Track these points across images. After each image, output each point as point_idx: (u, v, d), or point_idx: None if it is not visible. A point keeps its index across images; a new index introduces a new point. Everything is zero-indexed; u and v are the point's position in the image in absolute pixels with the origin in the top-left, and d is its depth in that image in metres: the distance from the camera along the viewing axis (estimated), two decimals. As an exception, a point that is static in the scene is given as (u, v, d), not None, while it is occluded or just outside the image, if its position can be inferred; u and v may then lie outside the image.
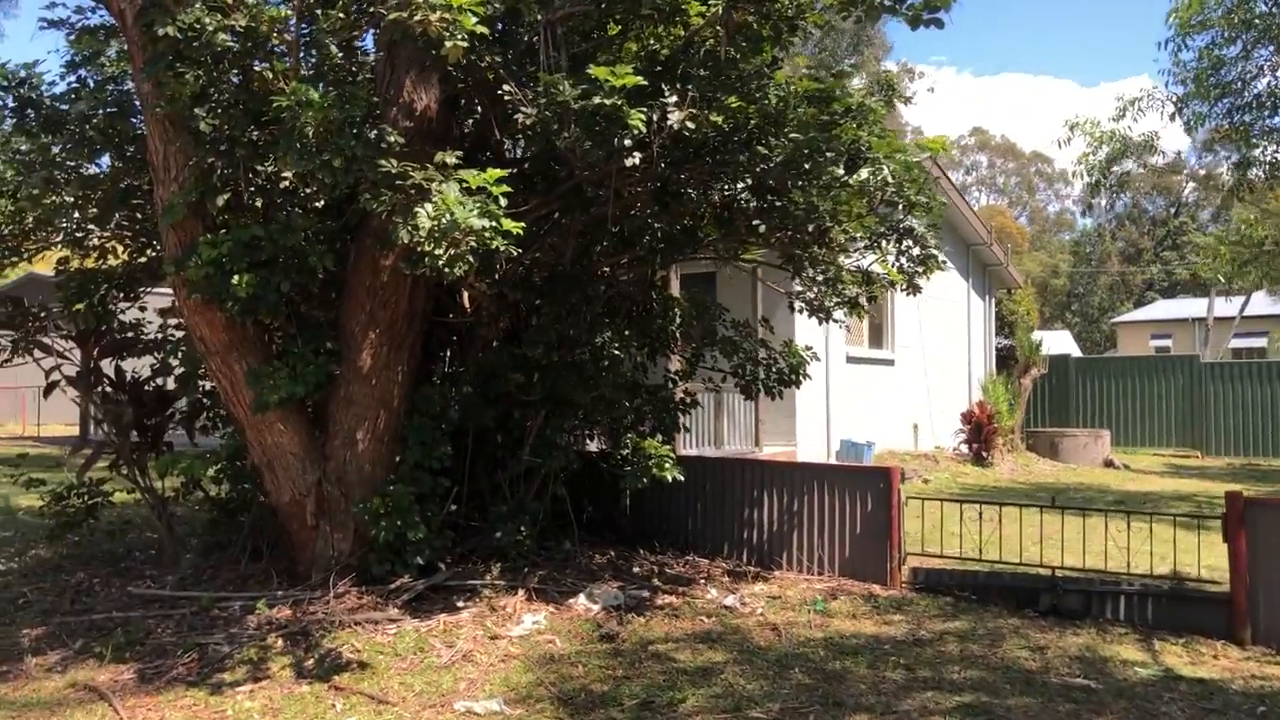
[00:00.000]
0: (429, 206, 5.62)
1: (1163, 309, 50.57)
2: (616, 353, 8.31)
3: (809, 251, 7.97)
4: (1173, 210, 52.14)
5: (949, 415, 19.82)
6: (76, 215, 7.17)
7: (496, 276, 7.44)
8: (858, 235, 7.57)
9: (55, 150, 7.18)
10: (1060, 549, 7.61)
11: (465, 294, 7.99)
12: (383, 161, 5.91)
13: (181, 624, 6.79)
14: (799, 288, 8.83)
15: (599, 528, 8.94)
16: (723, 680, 5.71)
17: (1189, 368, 22.49)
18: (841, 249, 7.79)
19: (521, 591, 7.13)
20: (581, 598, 6.98)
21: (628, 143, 6.11)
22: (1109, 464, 20.38)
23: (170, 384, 8.84)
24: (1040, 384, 22.81)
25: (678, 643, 6.40)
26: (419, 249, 5.66)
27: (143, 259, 8.46)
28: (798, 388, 8.94)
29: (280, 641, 6.38)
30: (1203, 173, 29.26)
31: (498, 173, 5.37)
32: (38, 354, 8.79)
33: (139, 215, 7.79)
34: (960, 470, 17.65)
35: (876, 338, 17.93)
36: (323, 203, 7.07)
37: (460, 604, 6.99)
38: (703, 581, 7.85)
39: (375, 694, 5.51)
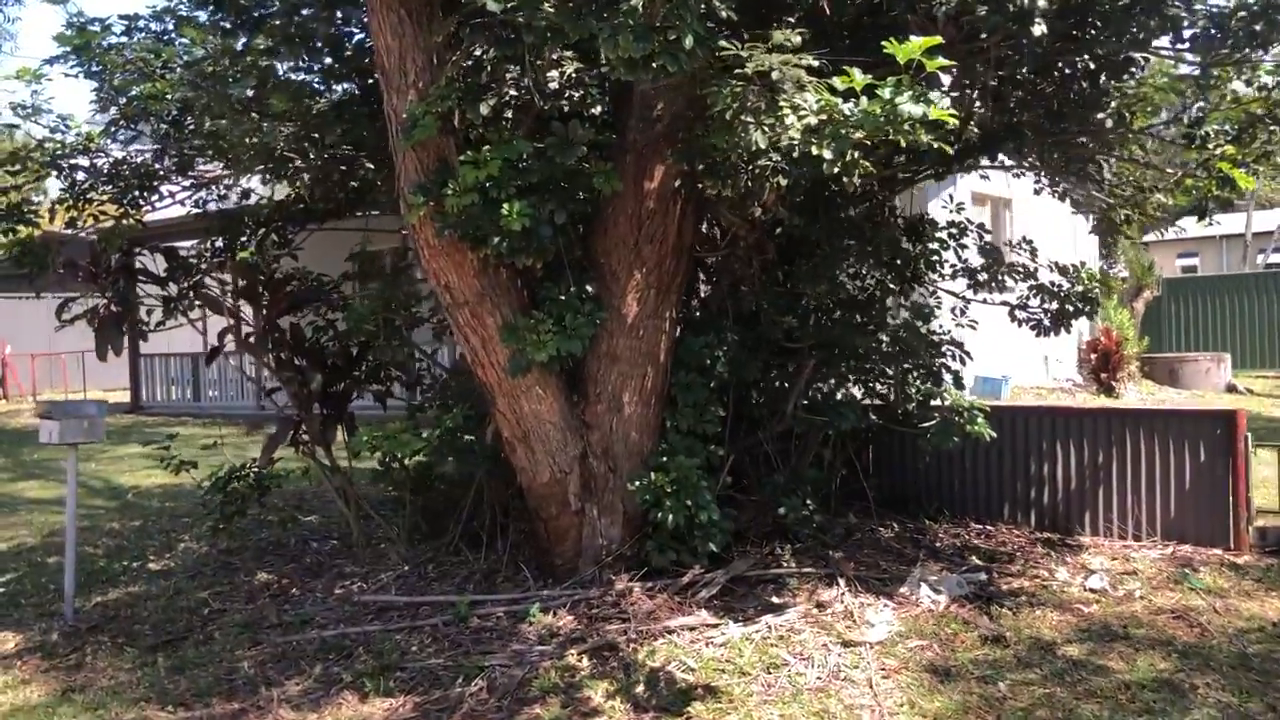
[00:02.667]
0: (808, 97, 4.24)
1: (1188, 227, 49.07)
2: (891, 286, 6.96)
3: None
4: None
5: (1067, 344, 18.57)
6: (284, 135, 5.67)
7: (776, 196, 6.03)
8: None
9: (240, 49, 5.69)
10: None
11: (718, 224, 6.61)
12: (725, 43, 4.52)
13: (440, 639, 5.52)
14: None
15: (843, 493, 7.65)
16: (1213, 700, 4.46)
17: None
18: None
19: (841, 581, 5.85)
20: (924, 588, 5.71)
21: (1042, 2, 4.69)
22: (1231, 389, 19.25)
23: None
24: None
25: (1080, 643, 5.16)
26: (784, 150, 4.31)
27: (293, 192, 7.00)
28: (1091, 319, 7.61)
29: (585, 660, 5.12)
30: None
31: (928, 41, 3.96)
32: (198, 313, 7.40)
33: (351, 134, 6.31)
34: (1094, 402, 16.50)
35: (1000, 263, 16.58)
36: (598, 110, 5.62)
37: (775, 599, 5.72)
38: (1019, 556, 6.59)
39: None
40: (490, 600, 5.86)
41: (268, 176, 6.55)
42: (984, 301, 7.35)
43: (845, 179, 4.26)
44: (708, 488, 5.83)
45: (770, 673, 4.91)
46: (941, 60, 3.99)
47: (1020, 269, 7.24)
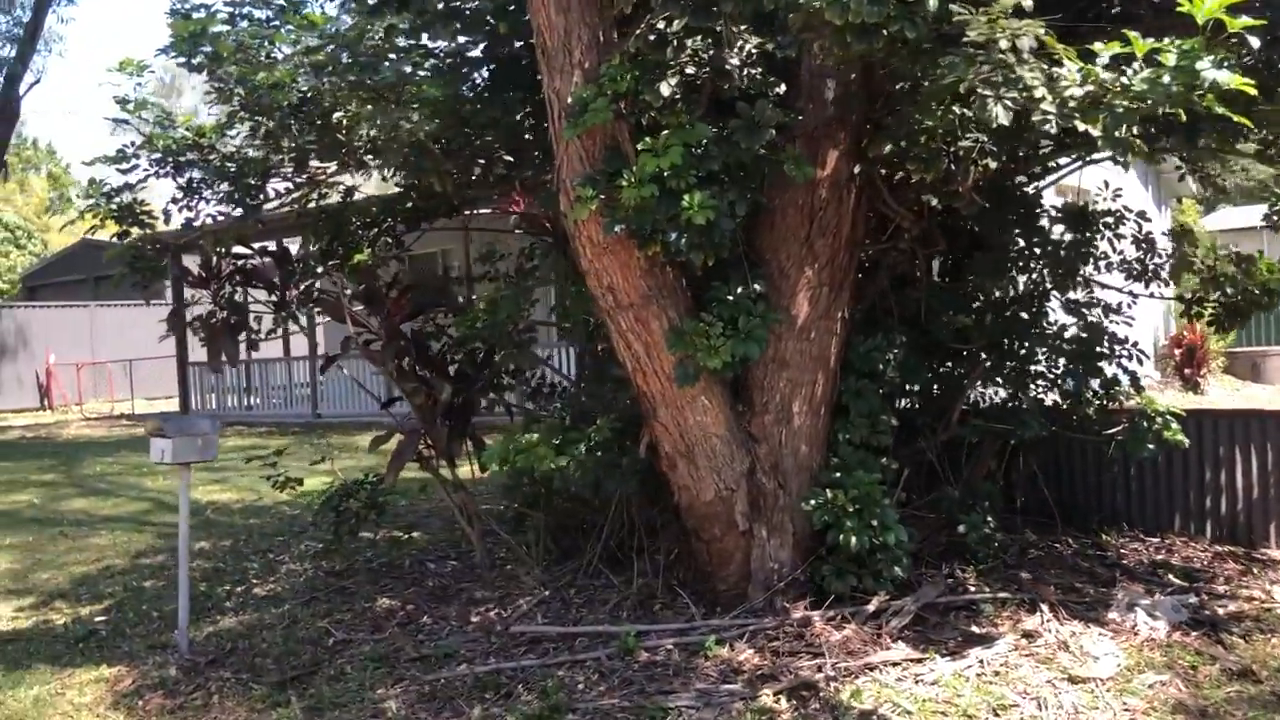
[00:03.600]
0: (1070, 68, 3.71)
1: (1230, 217, 48.03)
2: (1048, 284, 6.40)
3: None
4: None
5: (1145, 338, 17.91)
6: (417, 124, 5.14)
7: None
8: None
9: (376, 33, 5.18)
10: None
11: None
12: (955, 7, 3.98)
13: (607, 676, 5.00)
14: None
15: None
16: None
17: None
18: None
19: (1044, 607, 5.29)
20: (1139, 614, 5.15)
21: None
22: (1314, 384, 18.57)
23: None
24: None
25: (1340, 677, 4.58)
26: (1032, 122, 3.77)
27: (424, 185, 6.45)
28: (1267, 312, 7.02)
29: (782, 701, 4.59)
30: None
31: None
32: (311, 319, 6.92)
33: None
34: (1180, 399, 15.88)
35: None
36: (782, 89, 5.08)
37: (975, 629, 5.18)
38: (1218, 574, 6.02)
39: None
40: (654, 631, 5.33)
41: (397, 172, 6.01)
42: (1151, 296, 6.78)
43: (1120, 159, 3.70)
44: (890, 505, 5.29)
45: (998, 716, 4.36)
46: (1246, 19, 3.44)
47: (1190, 259, 6.65)
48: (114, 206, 5.91)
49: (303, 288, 6.42)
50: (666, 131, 4.59)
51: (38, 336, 24.10)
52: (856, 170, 5.28)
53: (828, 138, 5.28)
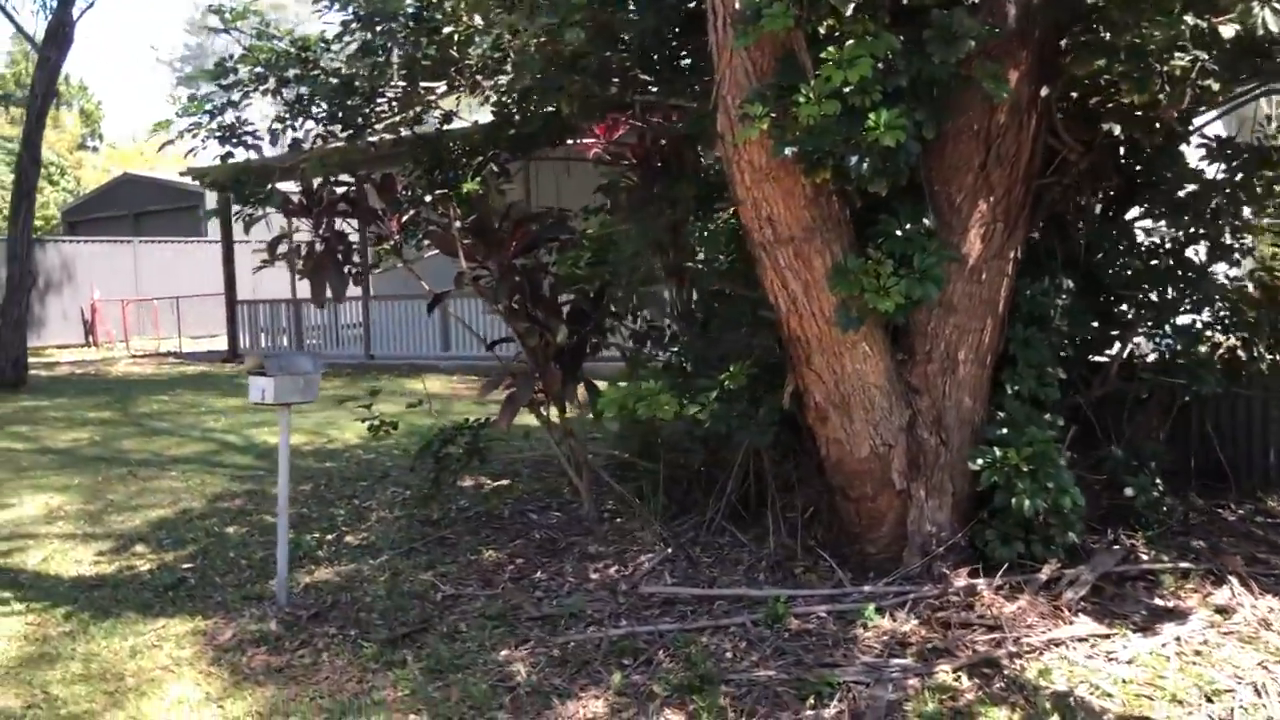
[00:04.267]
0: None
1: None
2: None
3: None
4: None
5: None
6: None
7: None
8: None
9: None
10: None
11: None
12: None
13: (757, 644, 4.59)
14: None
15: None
16: None
17: None
18: None
19: (1233, 580, 4.81)
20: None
21: None
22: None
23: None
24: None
25: None
26: None
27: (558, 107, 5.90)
28: None
29: (964, 679, 4.15)
30: None
31: None
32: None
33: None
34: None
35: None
36: None
37: (1158, 601, 4.71)
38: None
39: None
40: (800, 596, 4.90)
41: (510, 94, 5.49)
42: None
43: None
44: (1065, 466, 4.81)
45: (1213, 701, 3.91)
46: None
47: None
48: (217, 126, 5.41)
49: (407, 218, 5.93)
50: (851, 41, 4.05)
51: (82, 272, 23.85)
52: (1043, 93, 4.72)
53: (1008, 55, 4.72)
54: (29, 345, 15.40)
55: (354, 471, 8.65)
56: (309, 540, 6.73)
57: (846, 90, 4.02)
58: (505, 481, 7.64)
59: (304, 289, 21.11)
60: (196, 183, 19.96)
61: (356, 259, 5.80)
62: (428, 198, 6.03)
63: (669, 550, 5.66)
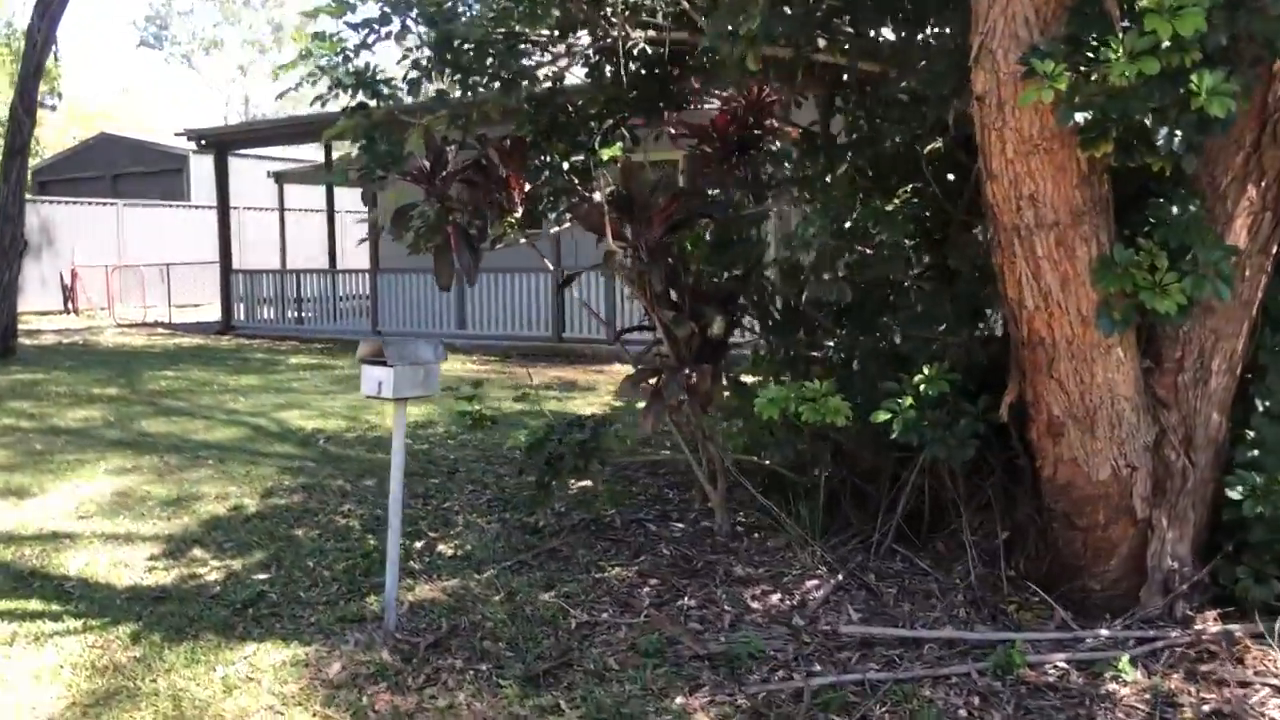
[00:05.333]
0: None
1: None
2: None
3: None
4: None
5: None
6: None
7: None
8: None
9: None
10: None
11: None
12: None
13: (995, 700, 3.90)
14: None
15: None
16: None
17: None
18: None
19: None
20: None
21: None
22: None
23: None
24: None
25: None
26: None
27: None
28: None
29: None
30: None
31: None
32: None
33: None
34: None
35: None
36: None
37: None
38: None
39: None
40: (1023, 641, 4.21)
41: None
42: None
43: None
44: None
45: None
46: None
47: None
48: (348, 71, 4.55)
49: (531, 188, 5.13)
50: (1173, -14, 3.32)
51: (62, 235, 22.64)
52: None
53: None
54: (4, 311, 14.30)
55: (416, 466, 7.84)
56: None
57: (1167, 47, 3.29)
58: (603, 486, 6.89)
59: (296, 258, 20.06)
60: (191, 144, 18.94)
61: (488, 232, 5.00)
62: (566, 165, 5.23)
63: (839, 576, 4.95)
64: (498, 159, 5.04)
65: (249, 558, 5.86)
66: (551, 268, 5.58)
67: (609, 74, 5.33)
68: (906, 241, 4.78)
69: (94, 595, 5.38)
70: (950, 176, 4.98)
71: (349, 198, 23.25)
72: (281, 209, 21.83)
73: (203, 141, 17.99)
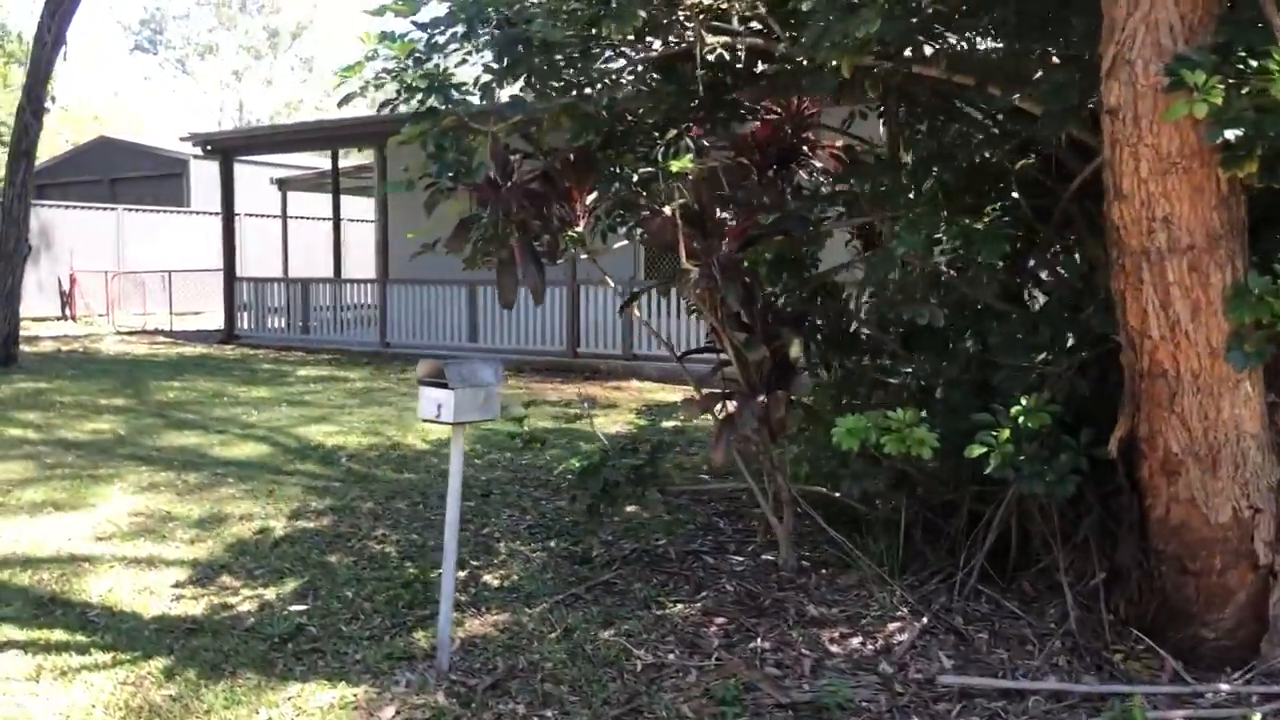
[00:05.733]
0: None
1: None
2: None
3: None
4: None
5: None
6: None
7: None
8: None
9: None
10: None
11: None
12: None
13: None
14: None
15: None
16: None
17: None
18: None
19: None
20: None
21: None
22: None
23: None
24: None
25: None
26: None
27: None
28: None
29: None
30: None
31: None
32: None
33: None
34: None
35: None
36: None
37: None
38: None
39: None
40: (1145, 694, 3.91)
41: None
42: None
43: None
44: None
45: None
46: None
47: None
48: (419, 75, 4.22)
49: (597, 199, 4.84)
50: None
51: (59, 240, 22.26)
52: None
53: None
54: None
55: (441, 485, 7.51)
56: (435, 576, 5.62)
57: (1331, 57, 3.02)
58: (655, 515, 6.57)
59: (298, 268, 19.72)
60: (196, 149, 18.61)
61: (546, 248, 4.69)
62: (634, 175, 4.94)
63: (923, 619, 4.64)
64: (561, 169, 4.75)
65: (282, 586, 5.54)
66: (613, 285, 5.26)
67: (673, 82, 5.03)
68: (1000, 264, 4.50)
69: (120, 625, 5.05)
70: (1038, 196, 4.71)
71: (355, 206, 22.94)
72: (284, 216, 21.52)
73: (208, 146, 17.65)
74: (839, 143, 5.73)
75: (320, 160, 29.72)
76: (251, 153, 18.60)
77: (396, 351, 16.03)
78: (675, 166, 4.65)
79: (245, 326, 18.05)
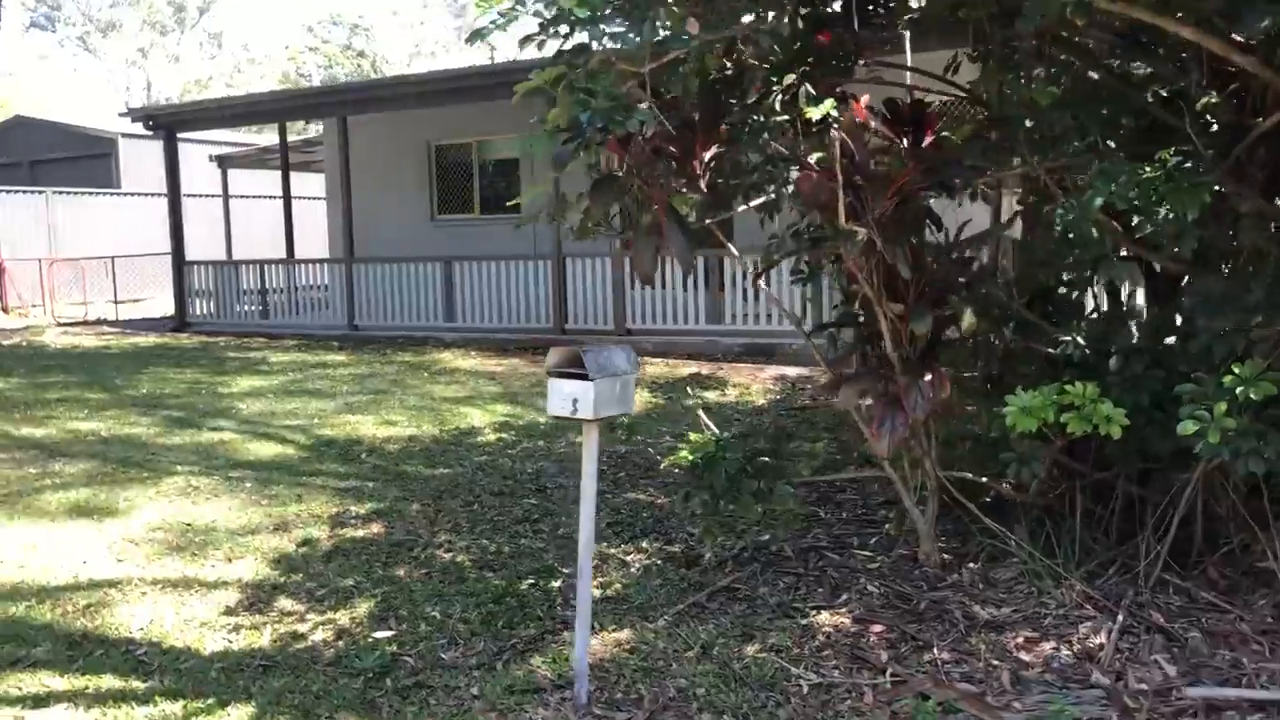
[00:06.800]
0: None
1: None
2: None
3: None
4: None
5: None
6: None
7: None
8: None
9: None
10: None
11: None
12: None
13: None
14: None
15: None
16: None
17: None
18: None
19: None
20: None
21: None
22: None
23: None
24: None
25: None
26: None
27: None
28: None
29: None
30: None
31: None
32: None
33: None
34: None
35: None
36: None
37: None
38: None
39: None
40: None
41: None
42: None
43: None
44: None
45: None
46: None
47: None
48: (562, 9, 3.51)
49: (717, 158, 4.19)
50: None
51: (-17, 228, 20.80)
52: None
53: None
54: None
55: (493, 483, 6.86)
56: (526, 588, 5.00)
57: None
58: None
59: (242, 249, 18.65)
60: (137, 124, 17.41)
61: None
62: (773, 124, 4.28)
63: (1119, 617, 4.14)
64: (684, 121, 4.10)
65: (354, 609, 4.85)
66: (736, 252, 4.64)
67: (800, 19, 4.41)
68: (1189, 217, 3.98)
69: (177, 665, 4.33)
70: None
71: (302, 183, 21.81)
72: (225, 195, 20.37)
73: (150, 121, 16.48)
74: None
75: (259, 137, 28.37)
76: (198, 128, 17.42)
77: (367, 334, 15.17)
78: (817, 112, 4.04)
79: (198, 313, 16.97)
